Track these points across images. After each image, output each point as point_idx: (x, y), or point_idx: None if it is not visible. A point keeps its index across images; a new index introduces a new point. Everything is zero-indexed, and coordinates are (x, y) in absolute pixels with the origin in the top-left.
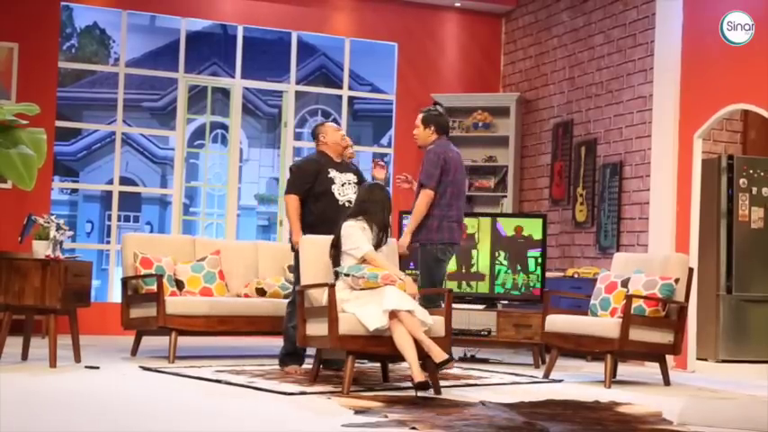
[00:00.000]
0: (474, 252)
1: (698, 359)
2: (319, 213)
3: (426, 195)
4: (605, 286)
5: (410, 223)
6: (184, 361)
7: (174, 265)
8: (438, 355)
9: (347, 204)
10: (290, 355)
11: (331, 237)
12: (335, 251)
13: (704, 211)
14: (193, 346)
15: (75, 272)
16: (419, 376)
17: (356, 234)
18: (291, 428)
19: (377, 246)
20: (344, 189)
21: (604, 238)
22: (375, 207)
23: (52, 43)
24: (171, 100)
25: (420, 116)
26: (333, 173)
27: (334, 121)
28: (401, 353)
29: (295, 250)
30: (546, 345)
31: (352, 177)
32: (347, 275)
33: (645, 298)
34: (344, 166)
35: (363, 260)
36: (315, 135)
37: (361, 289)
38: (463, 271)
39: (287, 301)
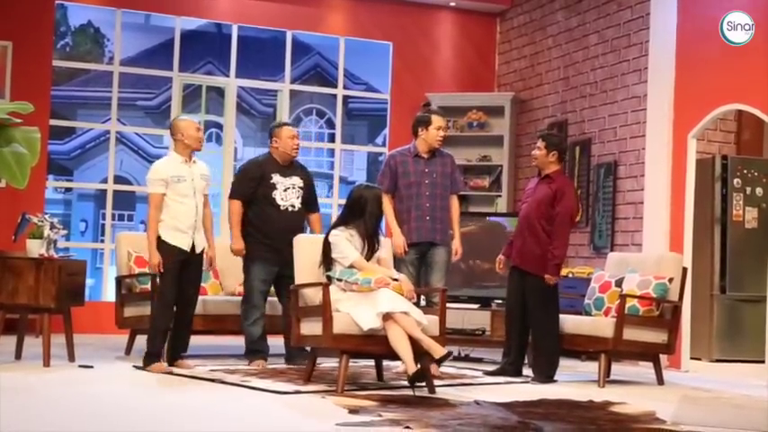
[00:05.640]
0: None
1: (692, 358)
2: (259, 218)
3: None
4: (599, 286)
5: (457, 229)
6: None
7: None
8: (437, 351)
9: (290, 209)
10: (253, 352)
11: (322, 236)
12: (325, 257)
13: (698, 211)
14: None
15: (70, 271)
16: (413, 367)
17: (342, 243)
18: (286, 428)
19: (370, 253)
20: (287, 194)
21: (599, 237)
22: (360, 214)
23: (46, 42)
24: (165, 99)
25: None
26: (276, 177)
27: (329, 120)
28: (396, 351)
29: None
30: None
31: (297, 181)
32: (339, 280)
33: (639, 297)
34: (290, 170)
35: (352, 267)
36: (270, 135)
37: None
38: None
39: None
